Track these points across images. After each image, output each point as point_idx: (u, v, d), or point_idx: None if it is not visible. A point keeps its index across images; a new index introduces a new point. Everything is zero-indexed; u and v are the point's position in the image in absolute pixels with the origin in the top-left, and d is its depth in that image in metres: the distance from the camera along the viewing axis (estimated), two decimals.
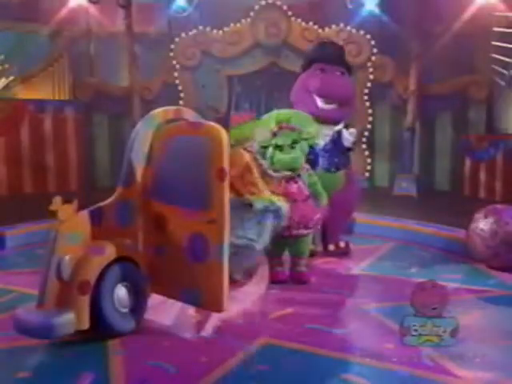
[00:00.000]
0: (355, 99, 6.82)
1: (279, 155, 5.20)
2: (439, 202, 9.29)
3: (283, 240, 5.17)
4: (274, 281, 5.31)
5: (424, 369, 3.46)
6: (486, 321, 4.39)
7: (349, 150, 6.20)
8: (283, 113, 5.46)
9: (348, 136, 6.08)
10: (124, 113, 11.50)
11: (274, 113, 5.47)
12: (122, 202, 4.26)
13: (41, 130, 11.12)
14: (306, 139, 5.26)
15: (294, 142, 5.19)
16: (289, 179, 5.19)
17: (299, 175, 5.25)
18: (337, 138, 6.11)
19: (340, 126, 6.16)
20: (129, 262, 4.09)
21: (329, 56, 6.41)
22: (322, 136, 5.82)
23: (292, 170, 5.21)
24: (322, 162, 5.81)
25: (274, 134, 5.27)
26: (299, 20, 11.16)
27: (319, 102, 6.17)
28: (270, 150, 5.23)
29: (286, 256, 5.44)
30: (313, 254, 5.88)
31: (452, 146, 11.01)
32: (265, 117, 5.57)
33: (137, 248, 4.26)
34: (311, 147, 5.40)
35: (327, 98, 6.16)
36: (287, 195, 5.14)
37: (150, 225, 4.28)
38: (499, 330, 4.16)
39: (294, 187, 5.18)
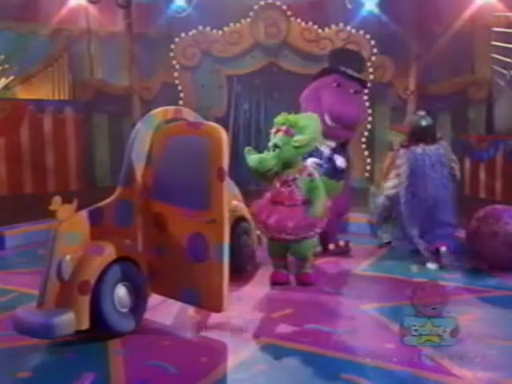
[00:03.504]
0: (361, 124, 6.58)
1: (251, 155, 5.11)
2: None
3: (279, 242, 5.17)
4: (274, 282, 5.31)
5: (424, 369, 3.46)
6: (486, 321, 4.39)
7: (342, 171, 6.18)
8: (285, 117, 5.17)
9: (340, 163, 6.07)
10: (124, 113, 11.48)
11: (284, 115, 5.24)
12: (122, 202, 4.26)
13: (41, 130, 11.08)
14: (295, 147, 5.00)
15: (276, 146, 5.02)
16: (283, 182, 5.14)
17: (294, 179, 5.09)
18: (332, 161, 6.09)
19: (333, 146, 6.11)
20: (129, 261, 4.09)
21: (349, 68, 6.37)
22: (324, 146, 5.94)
23: (257, 170, 5.07)
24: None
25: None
26: (299, 20, 11.14)
27: (328, 120, 6.08)
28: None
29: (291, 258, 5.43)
30: (313, 254, 5.86)
31: (452, 146, 10.98)
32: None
33: (137, 248, 4.26)
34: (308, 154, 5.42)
35: (335, 120, 6.14)
36: (277, 198, 5.12)
37: (149, 225, 4.28)
38: (499, 330, 4.16)
39: (285, 191, 5.10)
